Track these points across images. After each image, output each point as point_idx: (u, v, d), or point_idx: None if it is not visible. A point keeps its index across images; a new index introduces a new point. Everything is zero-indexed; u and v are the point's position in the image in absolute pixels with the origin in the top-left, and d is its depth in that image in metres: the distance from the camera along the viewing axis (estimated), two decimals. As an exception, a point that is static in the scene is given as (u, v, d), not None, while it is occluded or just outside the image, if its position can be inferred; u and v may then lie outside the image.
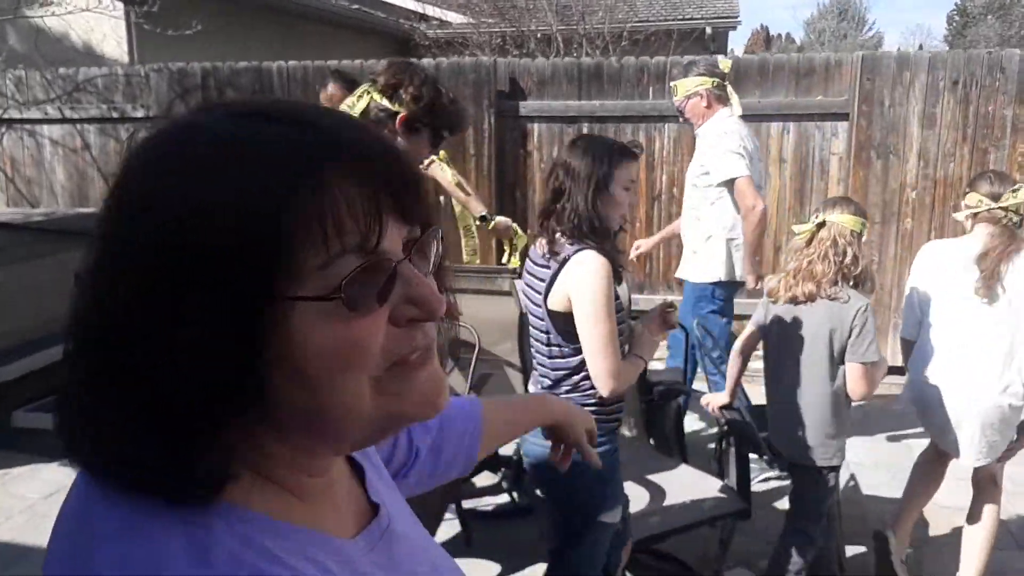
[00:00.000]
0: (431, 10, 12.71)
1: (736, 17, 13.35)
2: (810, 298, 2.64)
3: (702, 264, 3.82)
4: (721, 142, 3.67)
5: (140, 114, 6.24)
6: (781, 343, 2.75)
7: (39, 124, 6.49)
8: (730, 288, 3.84)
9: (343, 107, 2.08)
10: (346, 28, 11.61)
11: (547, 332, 2.17)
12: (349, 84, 3.56)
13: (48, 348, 4.53)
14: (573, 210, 2.06)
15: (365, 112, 2.07)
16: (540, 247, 2.20)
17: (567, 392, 2.16)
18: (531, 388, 2.36)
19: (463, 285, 3.52)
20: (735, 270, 3.77)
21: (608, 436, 2.17)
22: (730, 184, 3.66)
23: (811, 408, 2.68)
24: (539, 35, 11.50)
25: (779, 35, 44.78)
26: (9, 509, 3.75)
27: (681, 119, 3.98)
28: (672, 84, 3.92)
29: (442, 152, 3.43)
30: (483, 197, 5.56)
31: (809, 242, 2.70)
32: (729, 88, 3.82)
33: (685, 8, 13.82)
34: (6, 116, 6.53)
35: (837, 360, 2.64)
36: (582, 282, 2.05)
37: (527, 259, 2.30)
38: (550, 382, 2.20)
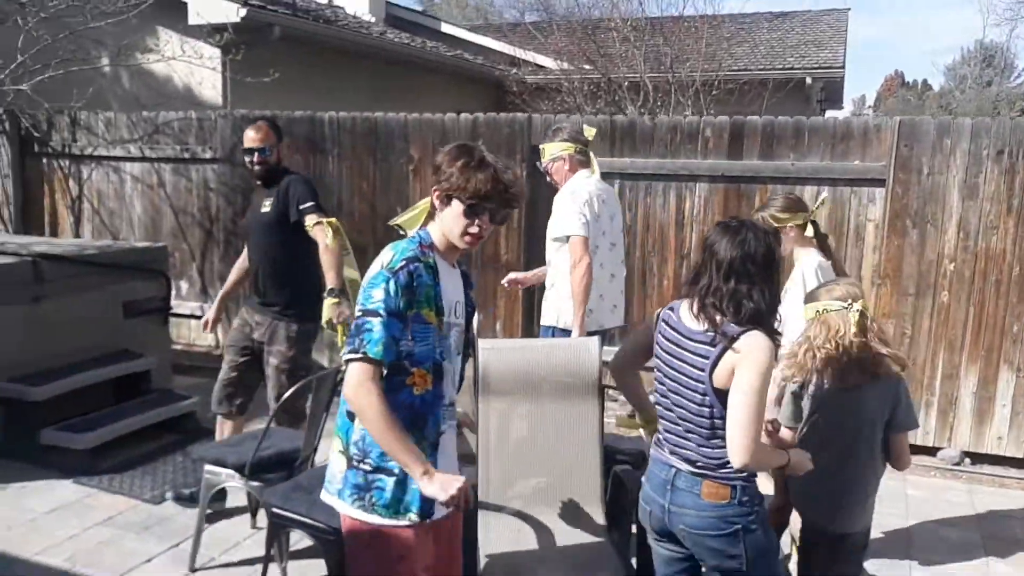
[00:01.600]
0: (527, 56, 12.96)
1: (840, 67, 12.96)
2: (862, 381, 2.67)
3: (545, 309, 4.14)
4: (568, 200, 3.92)
5: (208, 155, 6.67)
6: (830, 424, 2.74)
7: (123, 161, 7.05)
8: (564, 335, 3.99)
9: None
10: (439, 73, 11.98)
11: (710, 406, 2.29)
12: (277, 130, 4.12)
13: (78, 373, 4.91)
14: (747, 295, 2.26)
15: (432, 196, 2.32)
16: (696, 322, 2.31)
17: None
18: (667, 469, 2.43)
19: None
20: (566, 318, 3.97)
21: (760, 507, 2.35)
22: (566, 240, 3.89)
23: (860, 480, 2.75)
24: (627, 83, 11.51)
25: (915, 81, 42.95)
26: (12, 520, 4.06)
27: (548, 178, 4.16)
28: (540, 147, 4.13)
29: (331, 219, 3.85)
30: (512, 248, 5.66)
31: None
32: (591, 153, 4.07)
33: (787, 58, 13.54)
34: (96, 153, 7.11)
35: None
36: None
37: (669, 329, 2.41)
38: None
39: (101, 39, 7.40)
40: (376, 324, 2.10)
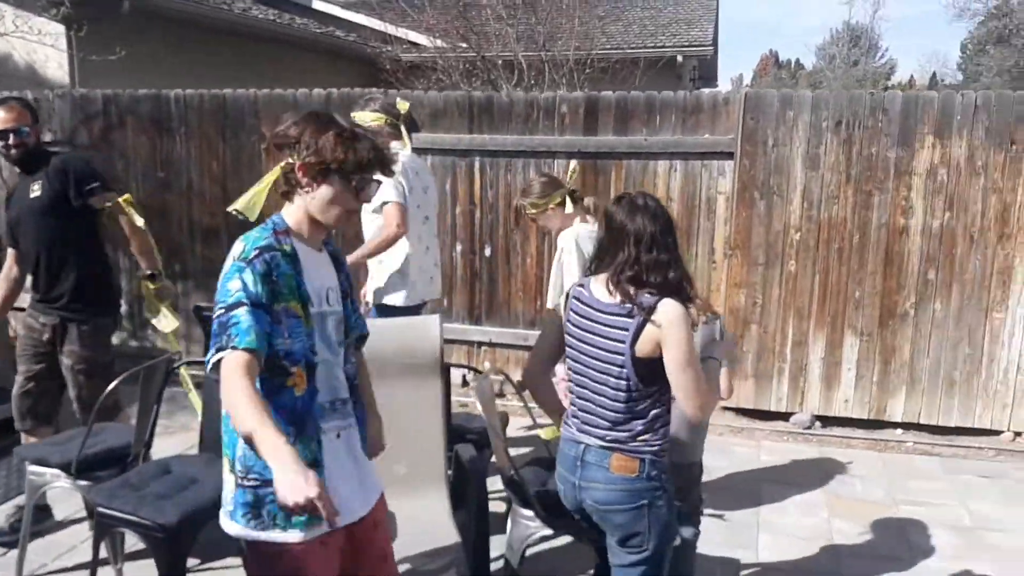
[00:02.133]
0: (400, 32, 12.73)
1: (709, 45, 13.28)
2: None
3: (371, 288, 4.02)
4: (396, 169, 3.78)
5: (47, 138, 6.24)
6: None
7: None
8: (408, 309, 3.96)
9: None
10: (309, 51, 11.66)
11: (627, 379, 2.30)
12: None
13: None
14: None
15: (284, 175, 2.03)
16: (610, 295, 2.33)
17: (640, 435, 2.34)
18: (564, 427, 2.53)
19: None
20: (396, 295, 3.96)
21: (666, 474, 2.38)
22: (382, 208, 3.82)
23: None
24: (501, 61, 11.47)
25: (788, 60, 44.63)
26: None
27: None
28: (351, 115, 3.96)
29: (126, 196, 3.68)
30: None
31: None
32: (403, 127, 4.02)
33: (658, 36, 13.78)
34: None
35: None
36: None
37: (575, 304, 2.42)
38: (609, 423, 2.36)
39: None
40: (242, 313, 1.83)
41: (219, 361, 1.82)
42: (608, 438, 2.35)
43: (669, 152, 5.23)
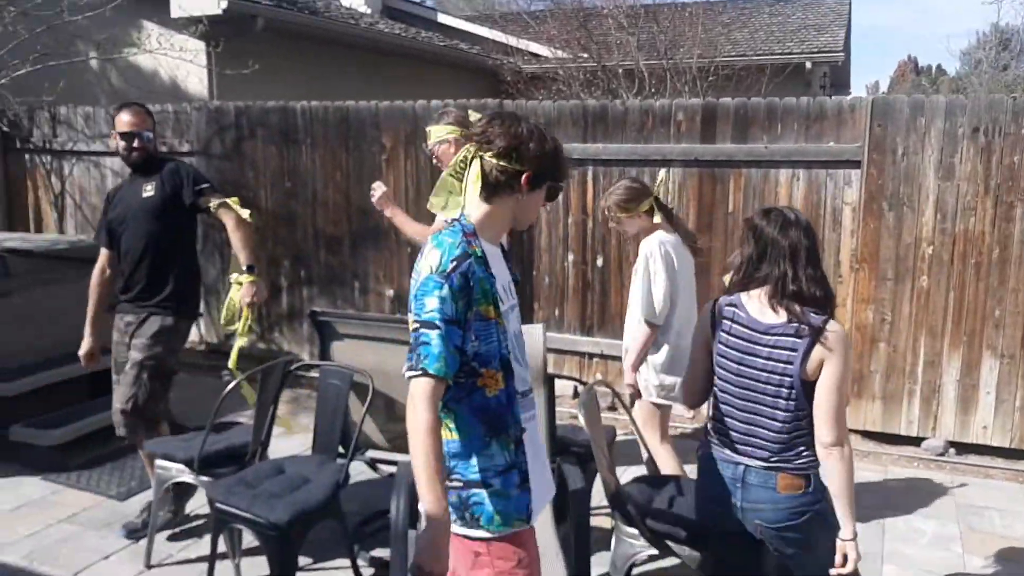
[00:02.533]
0: (522, 44, 12.85)
1: (840, 51, 12.76)
2: None
3: None
4: None
5: (185, 148, 6.63)
6: None
7: (102, 156, 7.02)
8: None
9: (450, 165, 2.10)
10: (433, 64, 11.92)
11: (795, 399, 2.31)
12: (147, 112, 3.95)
13: (49, 370, 4.87)
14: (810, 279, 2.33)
15: (483, 175, 2.02)
16: (773, 314, 2.34)
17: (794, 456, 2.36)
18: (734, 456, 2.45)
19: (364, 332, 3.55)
20: None
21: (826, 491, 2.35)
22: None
23: None
24: (622, 70, 11.39)
25: (928, 66, 42.38)
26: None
27: (434, 161, 4.11)
28: (427, 129, 4.07)
29: (233, 198, 3.85)
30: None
31: None
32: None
33: (786, 42, 13.36)
34: (76, 148, 7.09)
35: None
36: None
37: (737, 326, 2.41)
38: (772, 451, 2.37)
39: (81, 33, 7.38)
40: (434, 337, 1.88)
41: (409, 378, 1.90)
42: (773, 459, 2.36)
43: (791, 160, 5.04)
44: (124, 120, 3.78)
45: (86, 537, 3.87)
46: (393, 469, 3.57)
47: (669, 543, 2.88)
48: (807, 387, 2.30)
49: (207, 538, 3.80)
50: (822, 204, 5.04)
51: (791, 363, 2.29)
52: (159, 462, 3.56)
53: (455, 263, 1.93)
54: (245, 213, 3.81)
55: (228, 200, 3.84)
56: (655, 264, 3.53)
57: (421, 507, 1.92)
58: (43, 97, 6.82)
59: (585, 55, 12.03)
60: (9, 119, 7.14)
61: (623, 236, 4.01)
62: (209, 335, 6.73)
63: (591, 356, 5.72)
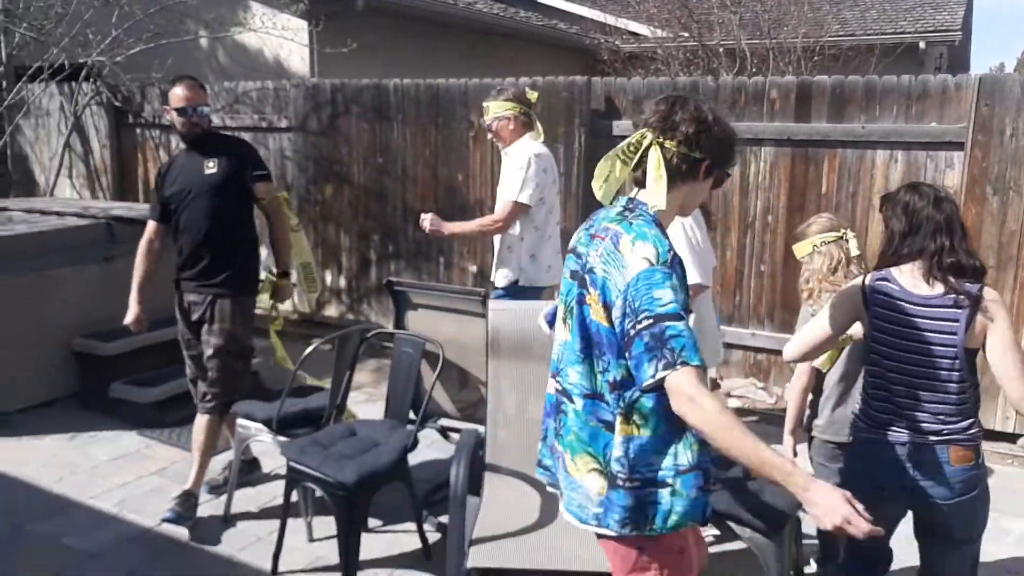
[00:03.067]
0: (620, 22, 12.70)
1: (956, 30, 12.08)
2: None
3: (501, 271, 4.15)
4: (524, 164, 3.97)
5: (284, 124, 6.84)
6: None
7: (207, 131, 7.30)
8: (522, 294, 4.06)
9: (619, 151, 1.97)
10: (532, 43, 11.91)
11: (959, 370, 2.32)
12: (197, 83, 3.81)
13: (148, 331, 5.13)
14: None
15: (668, 162, 1.92)
16: (928, 287, 2.34)
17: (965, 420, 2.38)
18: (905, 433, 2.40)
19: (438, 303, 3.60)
20: (526, 275, 4.10)
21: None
22: (505, 202, 4.02)
23: None
24: (723, 50, 11.12)
25: (1063, 47, 39.58)
26: (75, 465, 4.32)
27: (490, 136, 4.25)
28: (484, 105, 4.16)
29: (283, 193, 3.88)
30: (570, 216, 5.57)
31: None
32: (534, 116, 4.17)
33: (899, 21, 12.75)
34: (183, 124, 7.40)
35: None
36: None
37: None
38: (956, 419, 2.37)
39: (191, 13, 7.69)
40: (683, 327, 1.76)
41: (662, 378, 1.75)
42: (944, 432, 2.33)
43: (890, 141, 4.82)
44: (179, 95, 3.68)
45: (173, 489, 4.04)
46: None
47: (731, 525, 2.84)
48: (970, 356, 2.32)
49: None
50: (921, 187, 4.80)
51: (955, 333, 2.28)
52: (240, 421, 3.71)
53: (671, 253, 1.86)
54: (294, 219, 3.96)
55: (280, 195, 3.91)
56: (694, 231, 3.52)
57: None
58: (152, 74, 7.14)
59: (685, 34, 11.80)
60: (122, 95, 7.51)
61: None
62: (302, 304, 6.94)
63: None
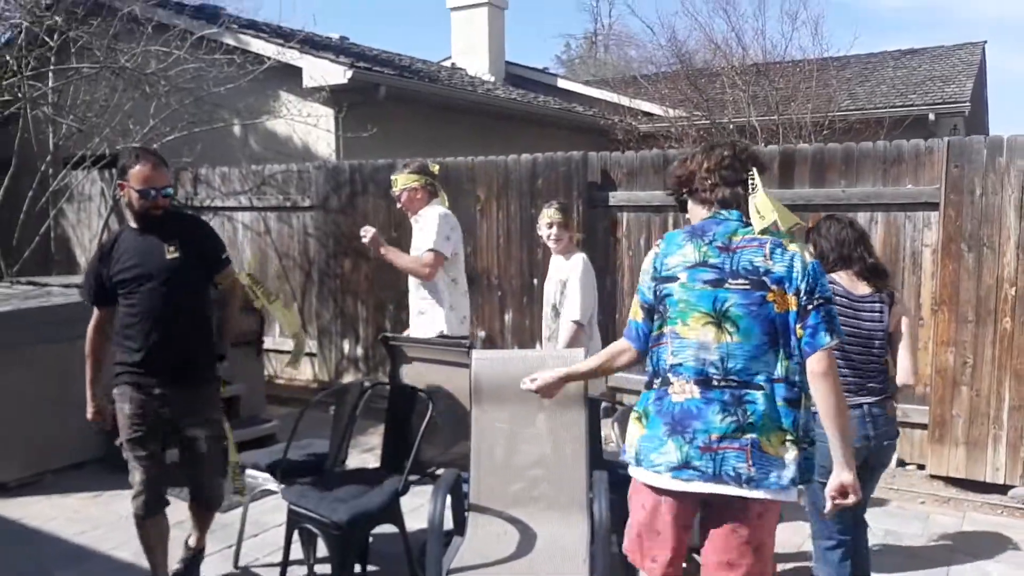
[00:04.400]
0: (634, 104, 13.20)
1: (965, 102, 12.36)
2: None
3: (427, 323, 4.55)
4: (441, 221, 4.49)
5: (307, 203, 7.28)
6: None
7: (235, 211, 7.79)
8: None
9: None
10: (550, 125, 12.42)
11: (884, 348, 3.13)
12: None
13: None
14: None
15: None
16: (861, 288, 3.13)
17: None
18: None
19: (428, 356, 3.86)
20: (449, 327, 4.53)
21: None
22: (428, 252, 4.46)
23: None
24: (733, 126, 11.51)
25: (1090, 117, 39.65)
26: (99, 521, 4.59)
27: (399, 205, 4.73)
28: (392, 178, 4.67)
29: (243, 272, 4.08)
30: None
31: None
32: (438, 185, 4.76)
33: (908, 95, 13.08)
34: (213, 204, 7.91)
35: None
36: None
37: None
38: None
39: (222, 103, 8.27)
40: (836, 310, 2.37)
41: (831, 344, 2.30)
42: (881, 392, 3.09)
43: (869, 204, 5.08)
44: (141, 174, 3.33)
45: (183, 540, 4.30)
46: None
47: (694, 555, 3.00)
48: (887, 337, 3.11)
49: (294, 547, 4.20)
50: (901, 247, 5.03)
51: (881, 321, 3.09)
52: (248, 471, 3.97)
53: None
54: (271, 298, 4.19)
55: (236, 277, 3.78)
56: (586, 277, 4.24)
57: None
58: (183, 159, 7.67)
59: (697, 113, 12.25)
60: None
61: (554, 246, 4.44)
62: (321, 373, 7.25)
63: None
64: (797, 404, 2.32)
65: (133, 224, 3.49)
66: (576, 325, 4.17)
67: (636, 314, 2.54)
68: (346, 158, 8.58)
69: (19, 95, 7.08)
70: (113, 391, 3.53)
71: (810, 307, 2.28)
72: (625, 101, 13.04)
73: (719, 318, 2.32)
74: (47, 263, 8.73)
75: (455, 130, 10.45)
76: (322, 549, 3.75)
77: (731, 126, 11.53)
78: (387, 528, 3.59)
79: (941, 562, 3.96)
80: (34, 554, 4.17)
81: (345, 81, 8.50)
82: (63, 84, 7.61)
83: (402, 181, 4.62)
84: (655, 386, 2.44)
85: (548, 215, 4.35)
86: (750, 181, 2.40)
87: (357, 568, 3.82)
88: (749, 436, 2.29)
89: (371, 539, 4.07)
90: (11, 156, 7.62)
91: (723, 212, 2.42)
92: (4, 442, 5.01)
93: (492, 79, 14.10)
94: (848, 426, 2.35)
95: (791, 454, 2.29)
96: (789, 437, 2.30)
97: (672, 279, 2.41)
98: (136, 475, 3.49)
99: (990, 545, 4.18)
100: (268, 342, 6.68)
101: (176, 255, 3.42)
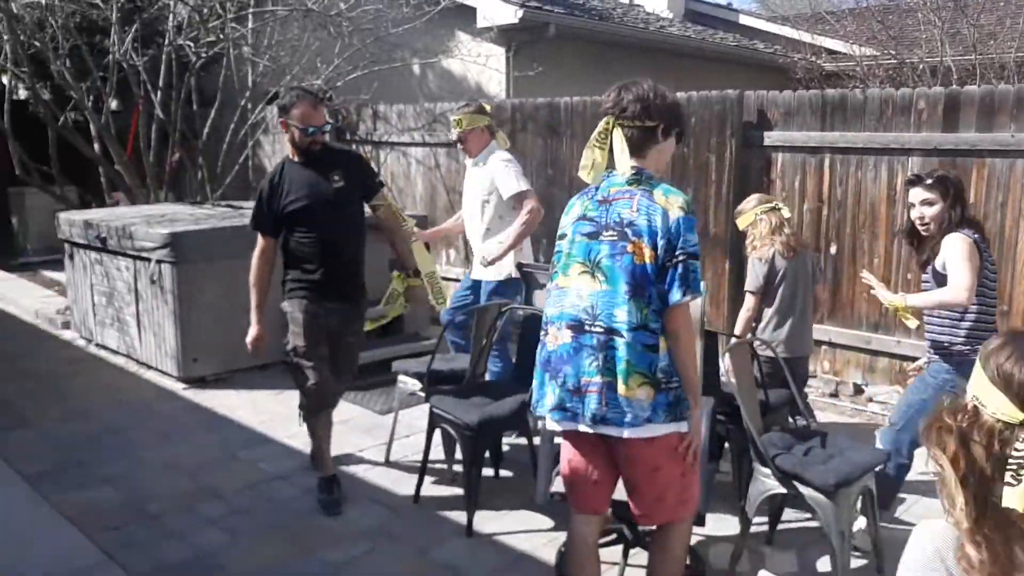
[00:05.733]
0: (818, 40, 12.61)
1: None
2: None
3: (495, 267, 4.65)
4: (510, 165, 4.67)
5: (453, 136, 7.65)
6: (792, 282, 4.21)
7: (409, 147, 8.31)
8: (517, 282, 4.66)
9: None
10: (728, 63, 12.15)
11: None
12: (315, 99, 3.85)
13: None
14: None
15: (629, 138, 2.53)
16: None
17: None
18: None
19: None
20: (509, 268, 4.70)
21: None
22: (518, 196, 4.62)
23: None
24: (923, 67, 10.80)
25: None
26: (276, 412, 5.29)
27: (459, 145, 4.77)
28: (454, 118, 4.64)
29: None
30: (720, 222, 5.91)
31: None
32: (494, 126, 4.91)
33: None
34: (390, 140, 8.46)
35: None
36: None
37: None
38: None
39: (401, 42, 8.76)
40: (698, 265, 2.44)
41: (684, 301, 2.42)
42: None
43: (1041, 150, 4.80)
44: (303, 114, 3.69)
45: (351, 435, 4.88)
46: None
47: (796, 484, 3.15)
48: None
49: (435, 448, 4.65)
50: (1075, 196, 4.73)
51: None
52: (400, 377, 4.44)
53: (693, 203, 2.51)
54: (411, 222, 4.29)
55: (392, 204, 4.12)
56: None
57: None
58: (361, 96, 8.24)
59: (885, 52, 11.55)
60: (341, 115, 8.69)
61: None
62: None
63: (819, 343, 5.79)
64: (655, 349, 2.42)
65: (295, 158, 3.81)
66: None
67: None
68: (515, 96, 8.89)
69: (223, 36, 7.84)
70: (284, 304, 3.93)
71: (668, 264, 2.39)
72: (807, 38, 12.47)
73: (592, 268, 2.47)
74: (246, 188, 9.67)
75: (626, 68, 10.42)
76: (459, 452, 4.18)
77: (922, 66, 10.82)
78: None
79: None
80: (222, 437, 4.88)
81: (516, 21, 8.74)
82: (260, 26, 8.33)
83: (467, 121, 4.69)
84: (541, 338, 2.64)
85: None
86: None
87: (491, 472, 4.23)
88: (606, 379, 2.43)
89: (506, 448, 4.48)
90: (216, 92, 8.45)
91: (613, 172, 2.54)
92: (203, 343, 5.79)
93: (671, 15, 13.87)
94: (695, 382, 2.49)
95: (645, 395, 2.41)
96: (643, 380, 2.41)
97: (563, 236, 2.61)
98: (311, 375, 3.84)
99: None
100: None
101: (341, 183, 3.76)
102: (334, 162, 3.80)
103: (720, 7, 16.24)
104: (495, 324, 4.26)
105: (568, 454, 2.65)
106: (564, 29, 9.31)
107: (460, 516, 3.77)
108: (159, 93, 8.25)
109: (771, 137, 5.79)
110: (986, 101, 4.96)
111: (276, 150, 9.75)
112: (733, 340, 3.72)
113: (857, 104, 5.45)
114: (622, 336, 2.42)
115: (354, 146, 8.88)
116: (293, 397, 5.48)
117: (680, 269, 2.38)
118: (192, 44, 7.88)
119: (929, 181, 3.48)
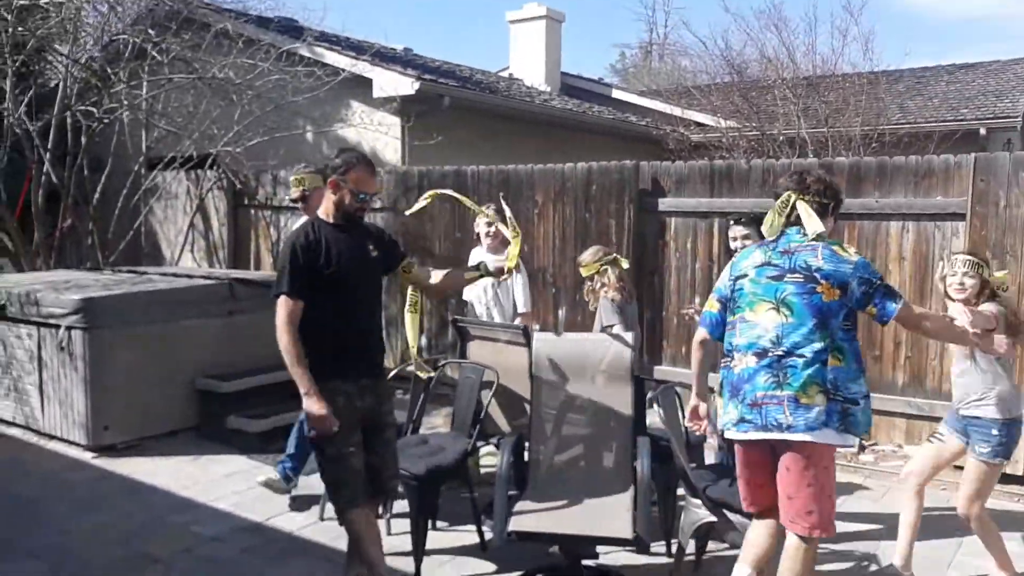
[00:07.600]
0: (688, 114, 13.60)
1: (1016, 118, 12.52)
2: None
3: None
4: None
5: (378, 204, 7.87)
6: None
7: (311, 211, 8.41)
8: None
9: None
10: (604, 135, 12.89)
11: None
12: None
13: (259, 374, 6.05)
14: None
15: (814, 208, 3.07)
16: None
17: None
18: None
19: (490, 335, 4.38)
20: None
21: None
22: None
23: None
24: (781, 139, 11.87)
25: None
26: (198, 479, 5.20)
27: (300, 205, 4.89)
28: (294, 178, 4.85)
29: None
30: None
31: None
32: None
33: (960, 109, 13.27)
34: (291, 204, 8.55)
35: None
36: None
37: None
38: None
39: (300, 111, 8.93)
40: (891, 286, 3.04)
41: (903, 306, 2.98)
42: None
43: (901, 213, 5.47)
44: (365, 180, 3.42)
45: (276, 497, 4.88)
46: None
47: (724, 511, 3.48)
48: None
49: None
50: (931, 255, 5.41)
51: None
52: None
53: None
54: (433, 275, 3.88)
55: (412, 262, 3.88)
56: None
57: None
58: (267, 161, 8.34)
59: (747, 124, 12.61)
60: (241, 180, 8.73)
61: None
62: (387, 360, 7.82)
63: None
64: (826, 364, 2.89)
65: (329, 219, 3.43)
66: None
67: (712, 306, 3.23)
68: (411, 164, 9.18)
69: (123, 102, 7.81)
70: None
71: (872, 290, 2.91)
72: (677, 111, 13.45)
73: (778, 304, 2.96)
74: (137, 255, 9.49)
75: (514, 138, 10.99)
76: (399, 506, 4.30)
77: (781, 138, 11.87)
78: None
79: (955, 534, 4.33)
80: (146, 503, 4.80)
81: (412, 92, 9.08)
82: (157, 92, 8.33)
83: (309, 181, 4.72)
84: (725, 363, 3.09)
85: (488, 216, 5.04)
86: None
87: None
88: (786, 392, 2.89)
89: (440, 500, 4.62)
90: (108, 157, 8.35)
91: (790, 230, 3.09)
92: (114, 410, 5.67)
93: (549, 89, 14.62)
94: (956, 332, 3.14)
95: (821, 400, 2.86)
96: (821, 388, 2.87)
97: (743, 276, 3.09)
98: (352, 463, 3.32)
99: (1015, 524, 4.52)
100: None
101: (376, 254, 3.51)
102: (367, 230, 3.57)
103: (594, 82, 17.21)
104: (430, 379, 4.44)
105: (742, 460, 3.12)
106: (458, 100, 9.72)
107: (407, 565, 3.88)
108: (48, 155, 8.06)
109: (665, 203, 6.30)
110: (854, 171, 5.63)
111: (168, 216, 9.63)
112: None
113: (742, 173, 6.04)
114: (803, 357, 2.89)
115: (252, 211, 8.92)
116: (212, 462, 5.49)
117: (883, 290, 2.94)
118: (95, 109, 7.79)
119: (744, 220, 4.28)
